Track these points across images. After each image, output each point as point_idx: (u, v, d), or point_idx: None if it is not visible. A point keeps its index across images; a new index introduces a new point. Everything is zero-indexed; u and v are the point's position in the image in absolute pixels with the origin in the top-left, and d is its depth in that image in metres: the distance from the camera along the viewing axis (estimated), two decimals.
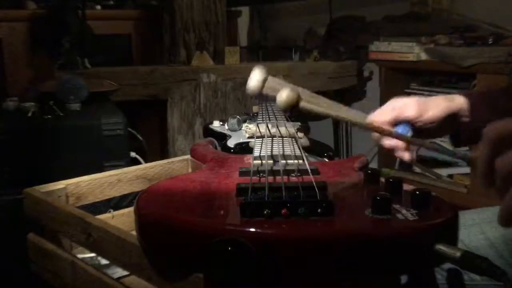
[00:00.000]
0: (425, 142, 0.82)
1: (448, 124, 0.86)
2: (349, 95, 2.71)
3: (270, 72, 0.74)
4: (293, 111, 0.71)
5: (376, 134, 0.85)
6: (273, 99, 0.71)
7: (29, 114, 1.73)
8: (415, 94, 2.23)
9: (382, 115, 0.84)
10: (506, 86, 1.48)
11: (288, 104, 0.69)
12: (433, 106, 0.85)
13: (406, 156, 0.83)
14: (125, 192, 1.04)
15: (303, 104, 0.70)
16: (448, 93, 0.98)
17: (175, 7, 2.32)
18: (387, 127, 0.82)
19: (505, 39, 2.09)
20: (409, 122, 0.84)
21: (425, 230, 0.58)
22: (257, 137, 1.01)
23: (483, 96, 0.90)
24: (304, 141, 1.04)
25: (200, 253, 0.56)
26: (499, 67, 1.97)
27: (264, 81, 0.72)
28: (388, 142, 0.84)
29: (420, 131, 0.85)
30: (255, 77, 0.72)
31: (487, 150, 0.51)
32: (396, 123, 0.84)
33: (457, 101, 0.86)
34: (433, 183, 2.21)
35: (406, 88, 2.34)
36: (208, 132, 1.22)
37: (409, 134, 0.83)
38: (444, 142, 2.13)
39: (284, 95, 0.69)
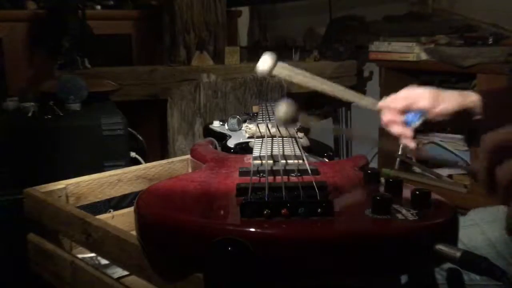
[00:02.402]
0: (426, 153, 0.84)
1: (460, 119, 0.85)
2: None
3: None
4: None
5: (384, 120, 0.85)
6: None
7: (29, 114, 1.73)
8: None
9: (394, 102, 0.84)
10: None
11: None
12: (447, 99, 0.84)
13: (411, 144, 0.83)
14: (125, 192, 1.04)
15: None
16: None
17: (175, 7, 2.31)
18: (397, 115, 0.83)
19: (505, 39, 2.09)
20: (420, 111, 0.84)
21: (425, 230, 0.58)
22: (257, 137, 1.01)
23: (495, 94, 0.90)
24: (304, 141, 1.03)
25: (200, 253, 0.56)
26: (499, 67, 1.96)
27: (273, 66, 0.80)
28: (395, 128, 0.84)
29: (431, 122, 0.85)
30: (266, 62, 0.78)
31: (486, 161, 0.52)
32: (406, 111, 0.84)
33: (471, 98, 0.85)
34: (433, 183, 2.21)
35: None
36: (208, 132, 1.22)
37: (419, 122, 0.83)
38: (446, 142, 2.13)
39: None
